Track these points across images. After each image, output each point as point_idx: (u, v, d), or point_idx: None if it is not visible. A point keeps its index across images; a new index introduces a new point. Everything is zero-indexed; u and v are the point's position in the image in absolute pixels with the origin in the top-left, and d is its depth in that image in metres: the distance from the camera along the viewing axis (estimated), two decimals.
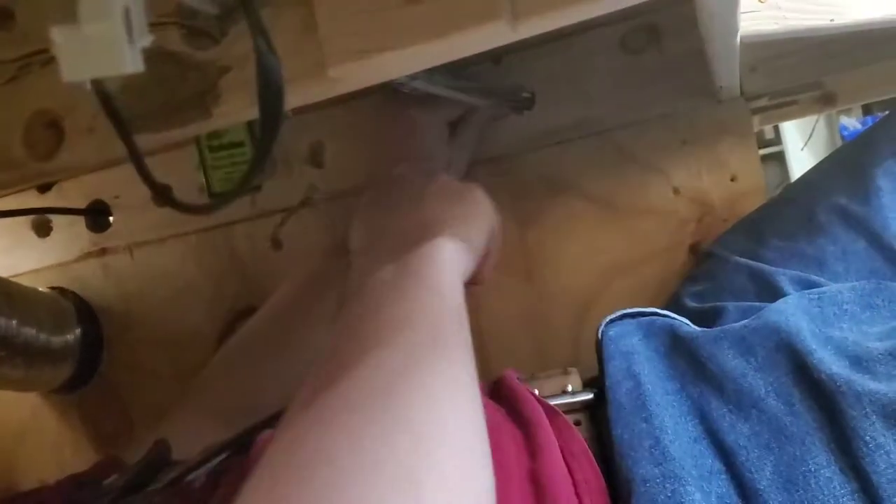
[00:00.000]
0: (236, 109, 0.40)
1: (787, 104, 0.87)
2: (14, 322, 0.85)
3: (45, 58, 0.43)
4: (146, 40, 0.27)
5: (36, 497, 0.54)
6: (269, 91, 0.27)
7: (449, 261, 0.49)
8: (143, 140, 0.42)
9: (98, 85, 0.28)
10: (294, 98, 0.38)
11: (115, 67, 0.26)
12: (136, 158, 0.32)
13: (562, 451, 0.49)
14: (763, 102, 0.83)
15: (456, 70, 0.77)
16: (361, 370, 0.38)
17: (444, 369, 0.39)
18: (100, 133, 0.42)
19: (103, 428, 0.98)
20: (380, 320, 0.42)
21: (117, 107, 0.30)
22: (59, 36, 0.26)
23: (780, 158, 3.08)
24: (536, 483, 0.47)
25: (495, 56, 0.82)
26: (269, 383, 0.67)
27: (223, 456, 0.52)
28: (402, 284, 0.45)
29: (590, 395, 0.56)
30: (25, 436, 1.01)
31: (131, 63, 0.26)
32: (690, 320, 0.59)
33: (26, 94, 0.44)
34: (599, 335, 0.58)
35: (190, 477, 0.50)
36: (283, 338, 0.69)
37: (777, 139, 3.06)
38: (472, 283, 0.55)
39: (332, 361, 0.41)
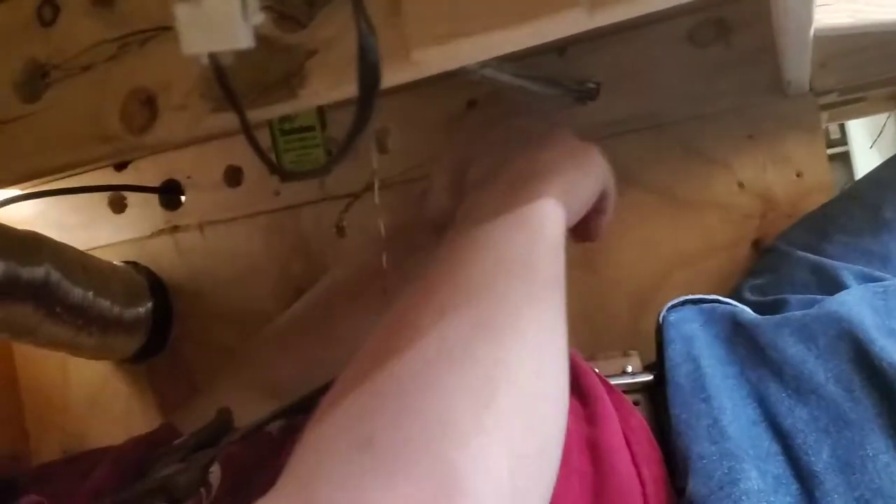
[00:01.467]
0: (321, 91, 0.42)
1: (856, 100, 0.86)
2: (90, 293, 0.89)
3: (142, 38, 0.46)
4: (258, 18, 0.29)
5: (116, 451, 0.57)
6: (367, 69, 0.29)
7: (553, 212, 0.50)
8: (230, 119, 0.45)
9: (214, 58, 0.31)
10: None
11: (230, 42, 0.29)
12: (247, 129, 0.34)
13: (620, 425, 0.50)
14: (832, 98, 0.83)
15: (522, 59, 0.78)
16: (454, 300, 0.40)
17: (535, 315, 0.41)
18: (191, 110, 0.44)
19: (171, 398, 1.02)
20: (477, 260, 0.44)
21: (230, 80, 0.32)
22: (181, 11, 0.28)
23: (845, 159, 3.02)
24: (594, 448, 0.48)
25: (560, 47, 0.83)
26: (320, 363, 0.68)
27: (294, 414, 0.54)
28: (505, 226, 0.46)
29: (649, 377, 0.57)
30: (97, 403, 1.05)
31: (245, 39, 0.28)
32: None
33: (124, 72, 0.46)
34: (660, 320, 0.59)
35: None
36: (331, 323, 0.71)
37: (843, 139, 3.00)
38: (582, 239, 0.57)
39: (423, 285, 0.43)
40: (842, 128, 2.93)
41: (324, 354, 0.68)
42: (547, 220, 0.49)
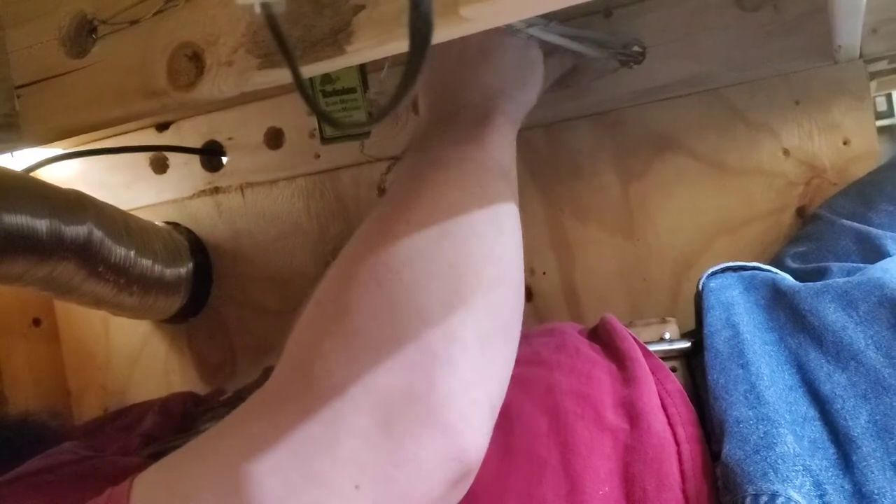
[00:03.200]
0: (368, 47, 0.41)
1: None
2: (132, 253, 0.90)
3: None
4: None
5: (161, 403, 0.58)
6: (418, 24, 0.28)
7: (501, 138, 0.56)
8: (278, 76, 0.45)
9: (266, 7, 0.30)
10: None
11: None
12: (299, 80, 0.34)
13: (657, 388, 0.50)
14: (882, 66, 0.81)
15: (568, 20, 0.77)
16: (420, 214, 0.47)
17: (489, 219, 0.49)
18: (238, 66, 0.44)
19: (209, 358, 1.03)
20: (438, 180, 0.50)
21: (282, 31, 0.32)
22: None
23: (891, 132, 2.95)
24: (630, 408, 0.49)
25: (607, 9, 0.82)
26: None
27: None
28: (458, 168, 0.52)
29: (687, 344, 0.57)
30: (138, 361, 1.07)
31: None
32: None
33: (171, 28, 0.46)
34: (700, 287, 0.58)
35: None
36: None
37: (890, 111, 2.94)
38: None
39: (395, 200, 0.50)
40: (889, 101, 2.86)
41: None
42: (494, 143, 0.54)
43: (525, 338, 0.57)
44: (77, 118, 0.51)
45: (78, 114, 0.51)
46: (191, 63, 0.46)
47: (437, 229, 0.46)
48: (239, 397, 0.58)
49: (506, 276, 0.47)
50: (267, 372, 0.64)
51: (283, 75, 0.44)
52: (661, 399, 0.50)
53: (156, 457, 0.47)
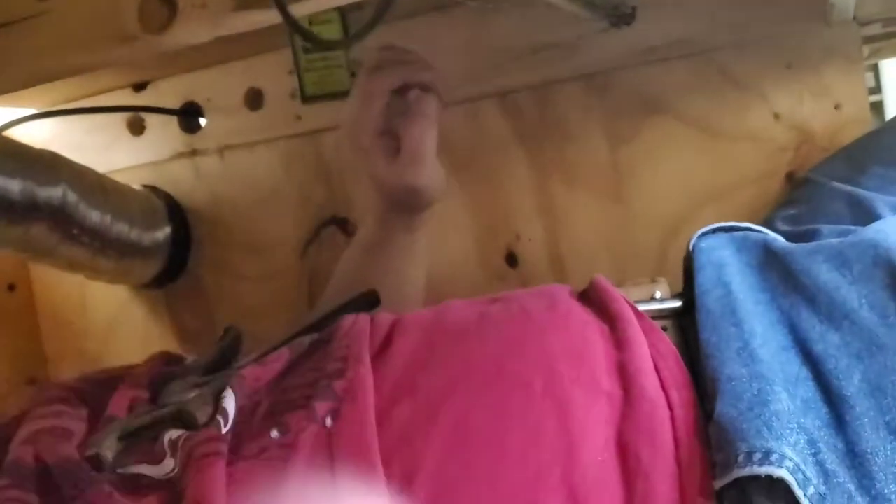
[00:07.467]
0: None
1: None
2: (108, 216, 0.88)
3: None
4: None
5: (128, 370, 0.56)
6: None
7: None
8: (254, 18, 0.43)
9: None
10: None
11: None
12: (283, 7, 0.32)
13: (649, 350, 0.49)
14: (876, 29, 0.80)
15: None
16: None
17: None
18: (212, 8, 0.43)
19: (188, 324, 1.02)
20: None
21: None
22: None
23: (879, 109, 2.95)
24: (623, 372, 0.47)
25: None
26: None
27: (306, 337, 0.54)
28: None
29: (678, 303, 0.56)
30: (115, 328, 1.05)
31: None
32: None
33: None
34: (691, 247, 0.57)
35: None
36: None
37: (878, 87, 2.93)
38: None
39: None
40: (876, 76, 2.86)
41: None
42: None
43: (514, 298, 0.56)
44: (43, 65, 0.49)
45: (44, 60, 0.49)
46: (163, 5, 0.44)
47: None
48: (210, 365, 0.56)
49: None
50: (229, 329, 0.63)
51: (260, 17, 0.43)
52: (655, 362, 0.49)
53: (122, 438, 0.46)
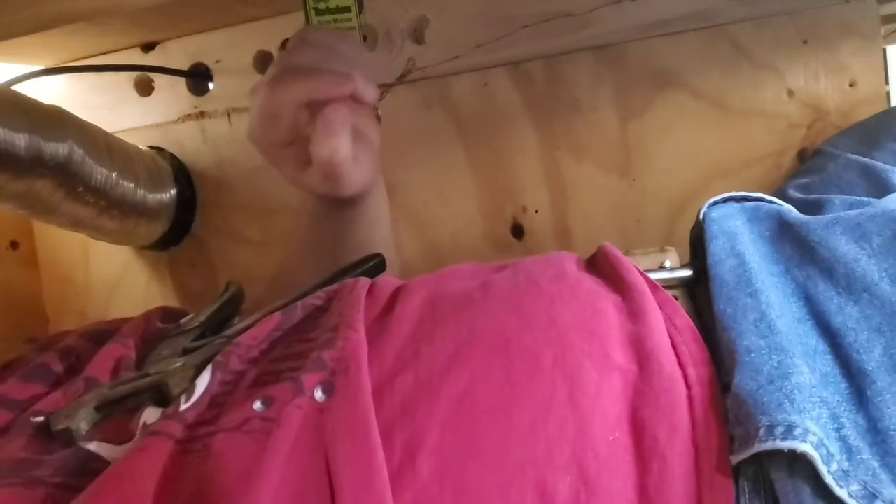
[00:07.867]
0: None
1: None
2: (114, 175, 0.87)
3: None
4: None
5: (123, 322, 0.55)
6: None
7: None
8: None
9: None
10: None
11: None
12: None
13: (665, 324, 0.47)
14: (894, 9, 0.79)
15: None
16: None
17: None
18: None
19: (191, 287, 1.01)
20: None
21: None
22: None
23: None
24: (637, 346, 0.46)
25: None
26: None
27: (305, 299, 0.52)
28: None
29: (689, 272, 0.54)
30: (118, 288, 1.05)
31: None
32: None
33: None
34: (701, 216, 0.56)
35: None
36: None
37: (885, 77, 2.92)
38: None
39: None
40: (885, 66, 2.84)
41: None
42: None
43: (521, 266, 0.54)
44: (57, 8, 0.48)
45: (57, 4, 0.48)
46: None
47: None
48: (216, 319, 0.55)
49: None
50: (230, 284, 0.62)
51: None
52: (671, 337, 0.47)
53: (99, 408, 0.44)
